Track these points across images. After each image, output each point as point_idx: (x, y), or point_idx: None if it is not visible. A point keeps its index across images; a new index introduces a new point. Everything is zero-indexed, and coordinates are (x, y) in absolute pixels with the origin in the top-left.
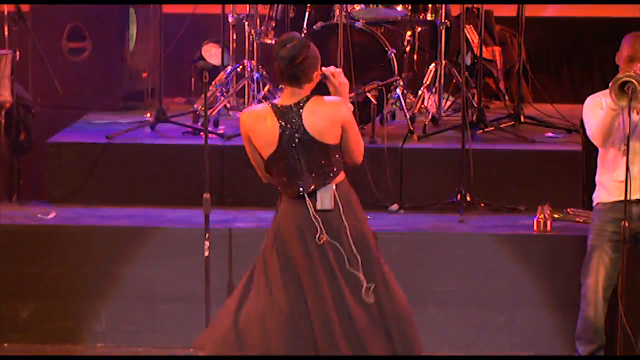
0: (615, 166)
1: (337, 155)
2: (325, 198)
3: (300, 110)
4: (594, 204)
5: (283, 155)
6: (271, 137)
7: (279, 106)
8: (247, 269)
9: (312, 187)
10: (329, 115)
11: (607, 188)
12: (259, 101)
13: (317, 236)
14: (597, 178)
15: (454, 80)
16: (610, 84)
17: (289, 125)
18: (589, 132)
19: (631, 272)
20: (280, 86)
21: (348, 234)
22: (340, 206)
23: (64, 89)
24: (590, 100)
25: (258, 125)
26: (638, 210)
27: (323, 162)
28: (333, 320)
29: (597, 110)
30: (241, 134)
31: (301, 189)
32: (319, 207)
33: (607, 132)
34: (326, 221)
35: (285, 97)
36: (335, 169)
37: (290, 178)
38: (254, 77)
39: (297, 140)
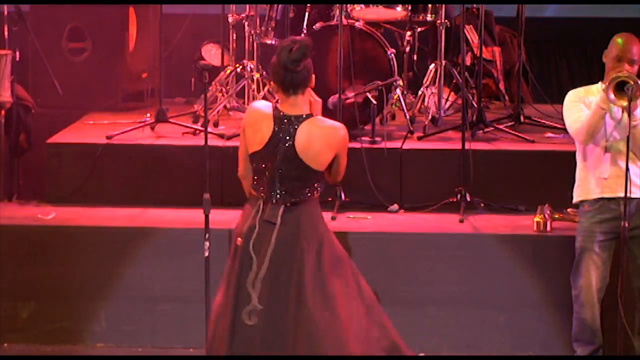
0: (598, 163)
1: (316, 182)
2: (272, 210)
3: (297, 126)
4: (575, 200)
5: (263, 158)
6: (261, 137)
7: (281, 112)
8: None
9: (275, 199)
10: (326, 140)
11: (590, 186)
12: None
13: (236, 239)
14: (578, 176)
15: (454, 81)
16: (606, 83)
17: (280, 135)
18: (570, 128)
19: (619, 270)
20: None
21: (269, 252)
22: (278, 224)
23: (63, 89)
24: (571, 95)
25: (256, 122)
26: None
27: (298, 182)
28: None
29: (578, 106)
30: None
31: (263, 195)
32: (265, 217)
33: (594, 130)
34: (263, 232)
35: (287, 106)
36: (307, 193)
37: (260, 181)
38: (254, 77)
39: (281, 151)
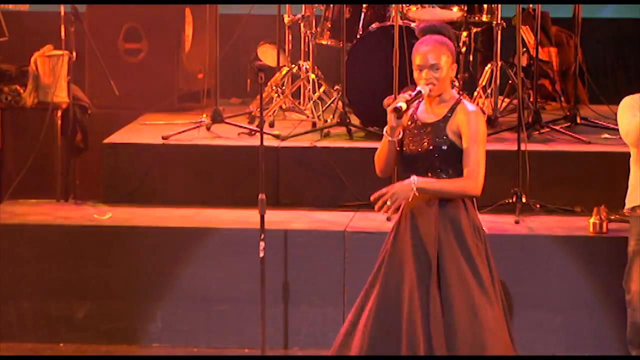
0: None
1: None
2: None
3: None
4: (627, 207)
5: None
6: None
7: None
8: (303, 269)
9: None
10: None
11: None
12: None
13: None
14: (631, 181)
15: (510, 82)
16: None
17: None
18: (621, 132)
19: None
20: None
21: None
22: None
23: (120, 90)
24: (626, 101)
25: None
26: None
27: None
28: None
29: (633, 111)
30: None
31: None
32: None
33: None
34: None
35: None
36: None
37: None
38: (310, 78)
39: None
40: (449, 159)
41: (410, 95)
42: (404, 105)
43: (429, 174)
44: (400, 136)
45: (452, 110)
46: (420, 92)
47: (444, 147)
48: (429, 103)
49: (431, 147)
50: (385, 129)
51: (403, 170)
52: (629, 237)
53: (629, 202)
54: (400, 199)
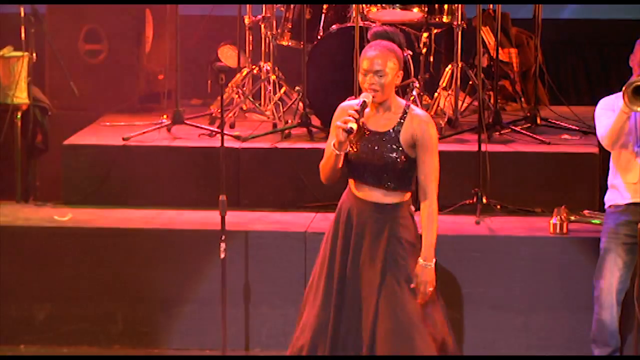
0: (628, 168)
1: None
2: None
3: None
4: (606, 206)
5: None
6: None
7: None
8: (264, 270)
9: None
10: None
11: (620, 190)
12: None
13: None
14: (610, 181)
15: (470, 82)
16: (624, 88)
17: None
18: (598, 134)
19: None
20: (296, 88)
21: None
22: None
23: (80, 91)
24: (602, 103)
25: None
26: None
27: None
28: None
29: (608, 113)
30: None
31: None
32: None
33: (617, 134)
34: None
35: None
36: None
37: None
38: (270, 79)
39: None
40: (400, 169)
41: (356, 112)
42: (354, 126)
43: (374, 182)
44: (347, 150)
45: (403, 117)
46: (365, 102)
47: (397, 159)
48: (375, 109)
49: (384, 158)
50: (332, 143)
51: (349, 173)
52: (602, 234)
53: (607, 202)
54: (431, 285)
